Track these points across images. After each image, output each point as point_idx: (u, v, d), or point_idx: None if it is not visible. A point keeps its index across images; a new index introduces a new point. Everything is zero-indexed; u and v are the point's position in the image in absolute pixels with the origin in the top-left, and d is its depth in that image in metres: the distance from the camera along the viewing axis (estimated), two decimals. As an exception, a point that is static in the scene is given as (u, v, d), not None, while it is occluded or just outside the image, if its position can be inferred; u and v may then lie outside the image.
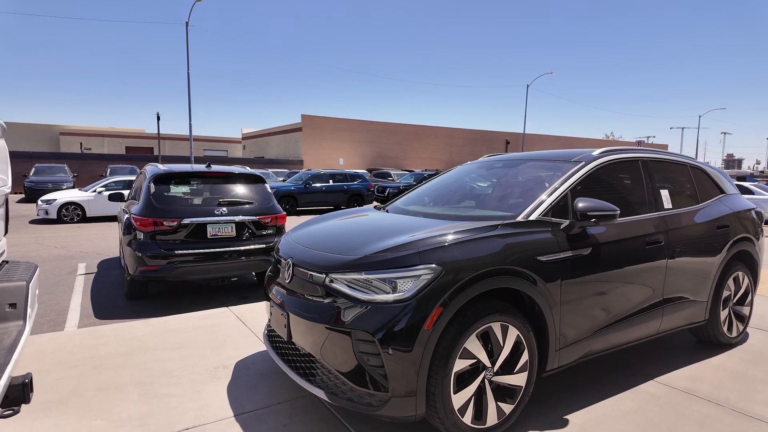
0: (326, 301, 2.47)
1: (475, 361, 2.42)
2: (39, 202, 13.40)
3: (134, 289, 5.64)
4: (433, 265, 2.32)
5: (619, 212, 2.80)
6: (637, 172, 3.46)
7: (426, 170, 24.81)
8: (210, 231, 5.46)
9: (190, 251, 5.33)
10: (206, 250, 5.40)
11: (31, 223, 13.06)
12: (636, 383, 3.24)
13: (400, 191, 19.46)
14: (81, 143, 43.98)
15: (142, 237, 5.27)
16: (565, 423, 2.71)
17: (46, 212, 13.16)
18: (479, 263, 2.41)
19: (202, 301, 5.67)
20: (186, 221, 5.34)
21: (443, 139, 41.93)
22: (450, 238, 2.46)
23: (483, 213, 3.03)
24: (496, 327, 2.48)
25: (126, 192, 7.50)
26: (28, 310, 2.44)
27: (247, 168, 6.43)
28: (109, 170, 21.85)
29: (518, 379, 2.59)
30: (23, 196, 19.93)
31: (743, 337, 4.13)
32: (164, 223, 5.27)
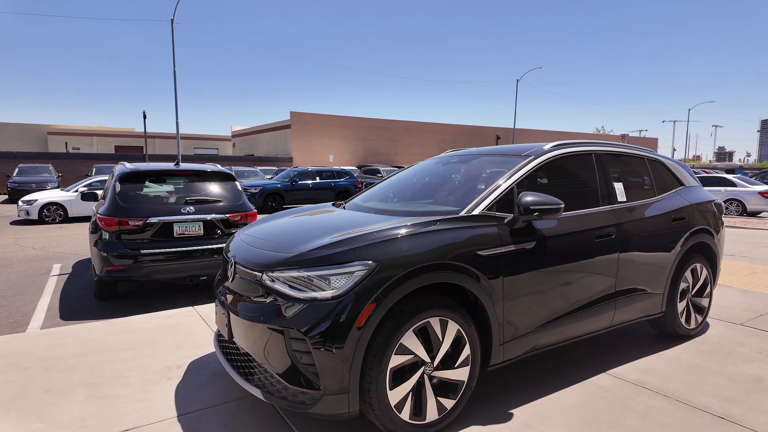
0: (263, 299, 2.45)
1: (412, 356, 2.41)
2: (20, 203, 13.26)
3: (103, 290, 5.59)
4: (368, 262, 2.30)
5: (563, 206, 2.79)
6: (590, 166, 3.45)
7: (415, 166, 24.84)
8: (177, 230, 5.42)
9: (157, 251, 5.28)
10: (173, 250, 5.36)
11: (12, 224, 12.93)
12: (588, 376, 3.24)
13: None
14: (66, 143, 43.56)
15: (107, 237, 5.21)
16: (509, 417, 2.71)
17: (27, 213, 13.03)
18: (414, 259, 2.39)
19: (173, 300, 5.63)
20: (152, 220, 5.29)
21: (434, 135, 41.91)
22: (387, 234, 2.45)
23: (431, 208, 3.02)
24: (435, 322, 2.47)
25: (101, 192, 7.43)
26: None
27: (218, 165, 6.38)
28: (94, 170, 21.61)
29: (460, 374, 2.58)
30: (6, 197, 19.71)
31: (702, 329, 4.15)
32: (129, 222, 5.22)
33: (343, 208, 3.59)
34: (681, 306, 3.87)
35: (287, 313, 2.29)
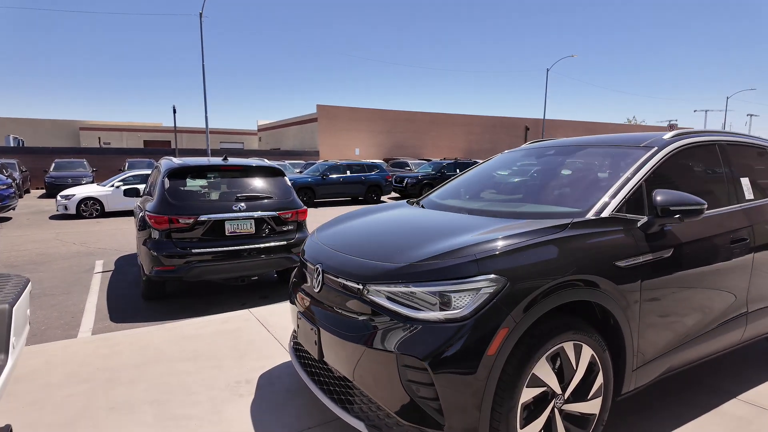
0: (364, 316, 2.10)
1: (544, 388, 2.03)
2: (58, 198, 13.33)
3: (151, 290, 5.38)
4: (495, 276, 1.92)
5: (706, 206, 2.36)
6: (715, 159, 2.99)
7: (444, 159, 24.19)
8: (228, 228, 5.14)
9: (208, 249, 5.02)
10: (224, 249, 5.09)
11: (51, 218, 13.01)
12: (716, 403, 2.81)
13: (418, 181, 19.01)
14: (99, 138, 44.37)
15: (157, 235, 4.97)
16: (645, 456, 2.31)
17: (66, 207, 13.09)
18: (551, 272, 2.00)
19: (222, 300, 5.38)
20: (203, 218, 5.02)
21: (461, 127, 41.12)
22: (512, 241, 2.06)
23: (541, 209, 2.61)
24: (569, 347, 2.08)
25: (142, 186, 7.25)
26: (12, 338, 1.97)
27: (266, 160, 6.09)
28: (127, 164, 21.84)
29: (592, 406, 2.19)
30: (44, 191, 20.04)
31: (827, 344, 3.65)
32: (180, 220, 4.96)
33: (422, 206, 3.22)
34: (808, 319, 3.38)
35: (399, 335, 1.93)
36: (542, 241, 2.08)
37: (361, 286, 2.11)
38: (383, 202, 18.32)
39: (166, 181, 5.22)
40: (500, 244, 2.04)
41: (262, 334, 3.98)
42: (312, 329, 2.37)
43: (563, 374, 2.09)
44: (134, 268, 6.94)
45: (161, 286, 5.42)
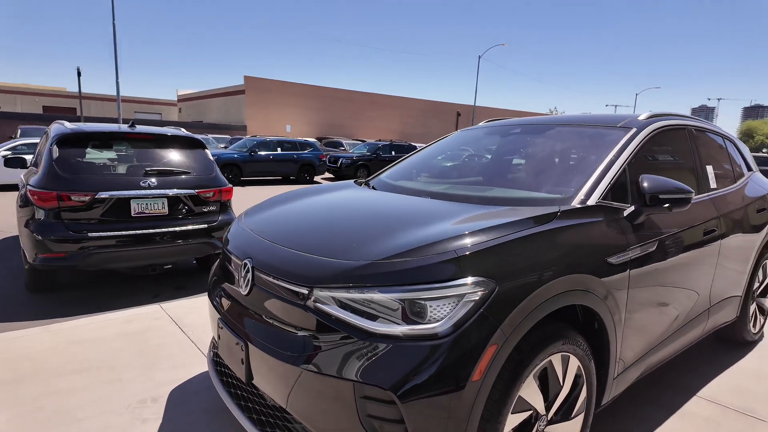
0: (308, 330, 1.60)
1: (530, 412, 1.68)
2: (-74, 168, 11.21)
3: (36, 280, 4.45)
4: (482, 278, 1.50)
5: (693, 194, 2.12)
6: (685, 144, 2.80)
7: (380, 140, 23.74)
8: (135, 208, 4.34)
9: (110, 233, 4.20)
10: (130, 232, 4.29)
11: None
12: (679, 402, 2.66)
13: (353, 162, 18.46)
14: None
15: (42, 215, 4.07)
16: (624, 474, 2.06)
17: (-64, 179, 11.06)
18: (545, 271, 1.63)
19: (128, 292, 4.58)
20: (102, 195, 4.18)
21: (397, 110, 40.88)
22: (499, 234, 1.65)
23: (517, 194, 2.24)
24: (557, 360, 1.74)
25: (30, 157, 6.07)
26: None
27: (183, 130, 5.27)
28: (19, 131, 19.05)
29: (574, 426, 1.89)
30: None
31: (761, 334, 3.72)
32: (72, 197, 4.09)
33: (373, 188, 2.75)
34: (751, 309, 3.38)
35: (357, 356, 1.47)
36: (533, 233, 1.70)
37: (305, 291, 1.61)
38: (317, 183, 17.61)
39: (55, 149, 4.28)
40: (485, 237, 1.62)
41: (176, 336, 3.34)
42: (238, 344, 1.83)
43: (548, 391, 1.75)
44: (19, 253, 5.82)
45: (50, 276, 4.50)
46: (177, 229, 4.52)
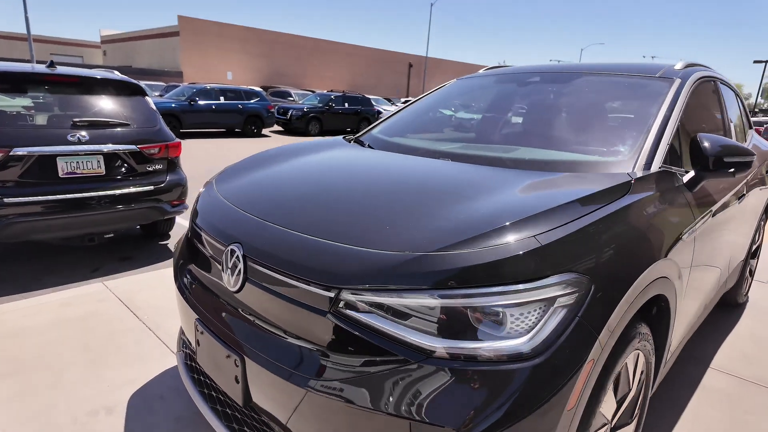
0: (337, 347, 1.19)
1: (605, 426, 1.39)
2: None
3: (-59, 256, 3.66)
4: (575, 276, 1.14)
5: (755, 157, 1.85)
6: (715, 98, 2.54)
7: (332, 91, 22.56)
8: (63, 167, 3.60)
9: (32, 198, 3.47)
10: (59, 197, 3.57)
11: None
12: (694, 375, 2.54)
13: (305, 113, 17.44)
14: None
15: (-59, 177, 3.26)
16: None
17: None
18: (637, 258, 1.30)
19: (62, 265, 3.90)
20: (20, 152, 3.41)
21: (346, 57, 39.04)
22: (577, 211, 1.28)
23: (566, 156, 1.85)
24: (630, 361, 1.45)
25: None
26: None
27: (116, 73, 4.43)
28: None
29: (631, 429, 1.64)
30: None
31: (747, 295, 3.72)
32: (-21, 154, 3.29)
33: (369, 146, 2.29)
34: (745, 271, 3.33)
35: (414, 386, 1.08)
36: (615, 210, 1.34)
37: (331, 294, 1.18)
38: (265, 135, 16.54)
39: (-50, 93, 3.40)
40: (565, 217, 1.24)
41: (128, 322, 2.80)
42: (230, 357, 1.39)
43: (617, 398, 1.47)
44: None
45: (-41, 250, 3.73)
46: (117, 192, 3.84)
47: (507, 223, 1.20)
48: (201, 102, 15.11)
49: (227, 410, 1.53)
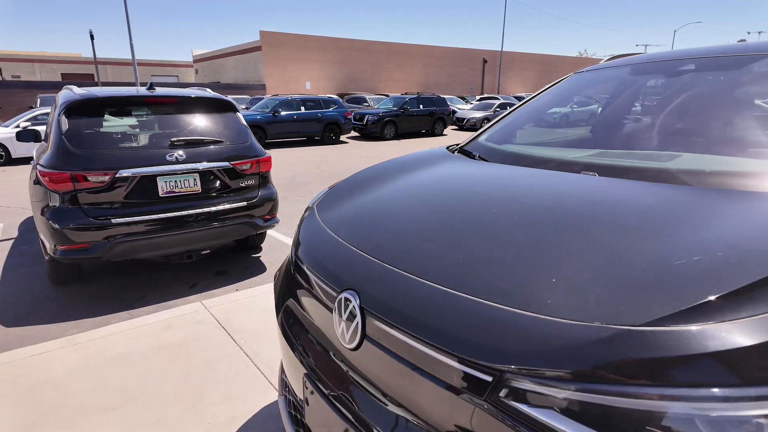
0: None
1: None
2: (-54, 142, 10.84)
3: (59, 272, 3.90)
4: None
5: None
6: None
7: (406, 93, 22.44)
8: (163, 187, 3.67)
9: (137, 219, 3.57)
10: (160, 216, 3.65)
11: (-62, 168, 10.61)
12: None
13: (380, 118, 17.42)
14: (0, 68, 38.49)
15: (57, 201, 3.44)
16: None
17: (-43, 155, 10.69)
18: None
19: (163, 280, 4.01)
20: (124, 173, 3.51)
21: (419, 58, 38.82)
22: None
23: (756, 166, 1.41)
24: None
25: (44, 128, 5.45)
26: None
27: (209, 90, 4.50)
28: (39, 101, 18.58)
29: None
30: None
31: None
32: (89, 177, 3.43)
33: (482, 158, 1.96)
34: None
35: None
36: None
37: (489, 377, 0.88)
38: (343, 142, 16.75)
39: (64, 120, 3.60)
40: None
41: (226, 349, 2.72)
42: (345, 429, 1.15)
43: None
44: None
45: (74, 267, 3.95)
46: (213, 209, 3.86)
47: (757, 279, 0.83)
48: (283, 113, 15.63)
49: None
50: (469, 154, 2.09)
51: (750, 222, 1.04)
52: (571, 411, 0.80)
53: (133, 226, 3.55)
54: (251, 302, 3.35)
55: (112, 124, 3.91)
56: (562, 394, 0.81)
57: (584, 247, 1.04)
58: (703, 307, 0.80)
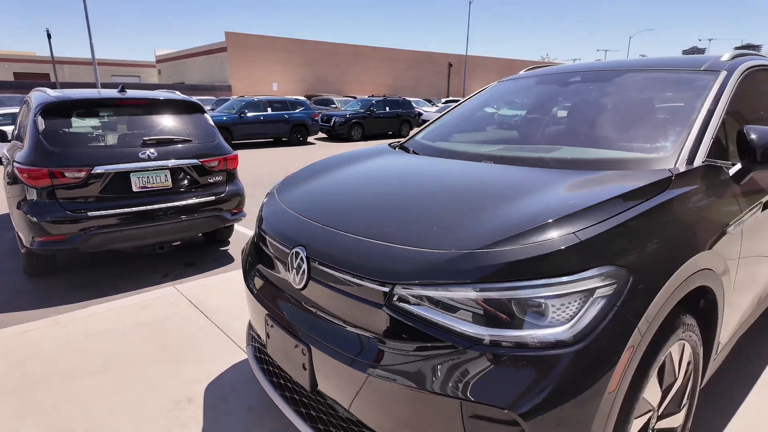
0: (394, 336, 1.33)
1: (650, 413, 1.45)
2: None
3: (35, 265, 4.13)
4: (614, 268, 1.22)
5: None
6: None
7: (372, 95, 22.91)
8: (136, 182, 3.97)
9: (111, 212, 3.85)
10: (134, 209, 3.94)
11: None
12: (756, 373, 2.48)
13: (347, 120, 17.81)
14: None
15: (35, 195, 3.69)
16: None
17: None
18: (676, 251, 1.36)
19: (135, 272, 4.28)
20: (99, 170, 3.79)
21: (386, 62, 39.43)
22: (616, 208, 1.36)
23: (605, 155, 1.91)
24: (675, 351, 1.50)
25: (10, 129, 5.58)
26: None
27: (177, 93, 4.81)
28: (-6, 101, 18.07)
29: (680, 417, 1.67)
30: None
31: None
32: (66, 173, 3.70)
33: (414, 152, 2.42)
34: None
35: (462, 369, 1.20)
36: (655, 205, 1.41)
37: (386, 288, 1.32)
38: (310, 143, 17.04)
39: (40, 120, 3.85)
40: (604, 213, 1.33)
41: (199, 322, 3.07)
42: (297, 347, 1.56)
43: (662, 385, 1.52)
44: (12, 233, 5.46)
45: (50, 260, 4.18)
46: (183, 203, 4.18)
47: (549, 221, 1.30)
48: (250, 114, 15.78)
49: (295, 396, 1.71)
50: (406, 150, 2.54)
51: (569, 188, 1.52)
52: (437, 304, 1.26)
53: (107, 219, 3.83)
54: (222, 285, 3.69)
55: (87, 124, 4.17)
56: (431, 294, 1.26)
57: (453, 207, 1.51)
58: (517, 237, 1.26)
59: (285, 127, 16.45)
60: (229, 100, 19.01)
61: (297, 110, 16.94)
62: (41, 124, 3.82)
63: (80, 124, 4.11)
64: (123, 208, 3.90)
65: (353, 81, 37.54)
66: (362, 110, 18.56)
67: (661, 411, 1.55)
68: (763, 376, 2.43)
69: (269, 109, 16.42)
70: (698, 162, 1.71)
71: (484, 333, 1.20)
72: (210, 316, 3.16)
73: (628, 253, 1.26)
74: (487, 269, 1.22)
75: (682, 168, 1.66)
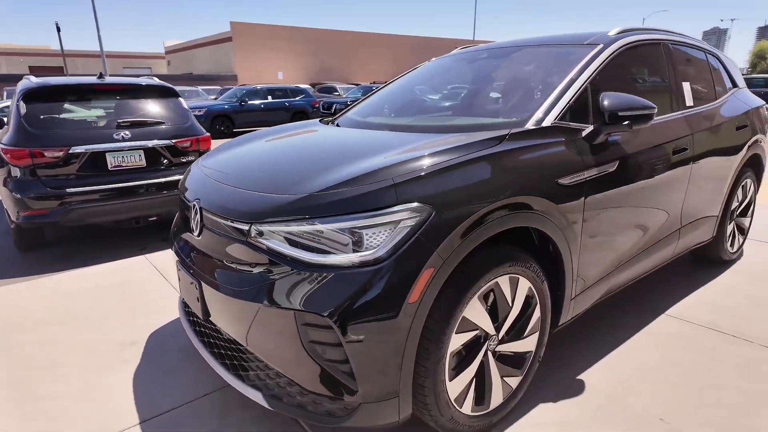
0: (253, 266, 1.62)
1: (476, 332, 1.72)
2: None
3: (24, 238, 4.50)
4: (418, 204, 1.49)
5: (656, 110, 2.05)
6: (660, 60, 2.68)
7: (374, 83, 23.08)
8: (111, 161, 4.30)
9: (89, 188, 4.19)
10: (110, 186, 4.28)
11: None
12: (647, 320, 2.72)
13: (347, 106, 17.98)
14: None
15: (18, 173, 4.05)
16: (582, 387, 2.13)
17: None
18: (485, 194, 1.61)
19: (116, 245, 4.64)
20: (76, 150, 4.13)
21: (390, 48, 39.37)
22: (438, 159, 1.62)
23: (474, 121, 2.17)
24: (504, 282, 1.75)
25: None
26: None
27: (155, 79, 5.11)
28: (5, 93, 18.67)
29: (527, 344, 1.94)
30: None
31: (740, 252, 3.73)
32: (46, 153, 4.05)
33: (336, 125, 2.69)
34: (729, 228, 3.37)
35: (298, 287, 1.49)
36: (474, 158, 1.66)
37: (247, 226, 1.61)
38: (309, 129, 17.32)
39: (22, 105, 4.19)
40: (423, 163, 1.59)
41: (159, 285, 3.41)
42: (192, 283, 1.86)
43: (497, 312, 1.78)
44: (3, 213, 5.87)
45: (38, 234, 4.56)
46: (156, 180, 4.50)
47: (376, 169, 1.56)
48: (251, 102, 16.10)
49: (201, 329, 2.02)
50: (333, 123, 2.81)
51: (414, 148, 1.77)
52: (283, 237, 1.54)
53: (85, 195, 4.18)
54: (187, 254, 4.02)
55: (66, 108, 4.50)
56: (278, 229, 1.54)
57: (320, 163, 1.80)
58: (347, 182, 1.54)
59: (285, 115, 16.73)
60: (231, 89, 19.35)
61: (297, 98, 17.23)
62: (23, 108, 4.16)
63: (60, 108, 4.45)
64: (99, 185, 4.24)
65: (358, 68, 37.62)
66: (363, 97, 18.70)
67: (501, 336, 1.81)
68: (651, 325, 2.66)
69: (270, 97, 16.73)
70: (547, 123, 1.94)
71: (316, 259, 1.48)
72: (169, 278, 3.49)
73: (435, 194, 1.52)
74: (318, 207, 1.50)
75: (531, 127, 1.90)
